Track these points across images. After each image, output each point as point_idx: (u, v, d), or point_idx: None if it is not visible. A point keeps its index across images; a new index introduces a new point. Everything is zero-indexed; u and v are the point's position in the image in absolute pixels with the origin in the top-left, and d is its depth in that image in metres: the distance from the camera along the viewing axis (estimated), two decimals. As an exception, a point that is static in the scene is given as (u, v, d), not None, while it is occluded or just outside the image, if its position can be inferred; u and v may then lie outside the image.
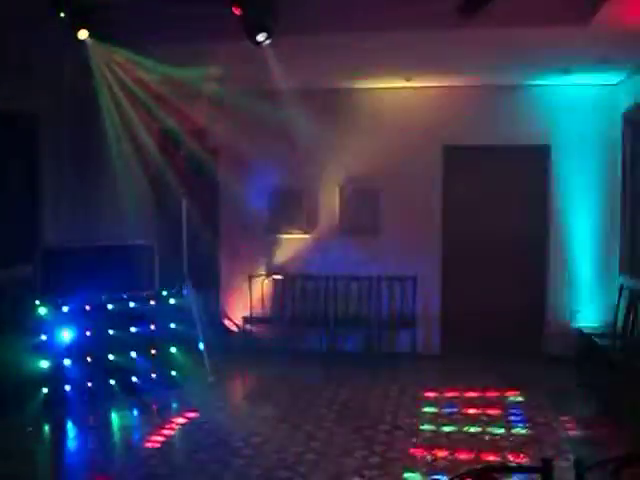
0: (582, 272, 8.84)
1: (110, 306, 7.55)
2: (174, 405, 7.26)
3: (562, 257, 8.90)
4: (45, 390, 7.00)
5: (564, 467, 5.01)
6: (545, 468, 2.62)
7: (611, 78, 8.30)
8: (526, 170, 9.10)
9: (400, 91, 9.07)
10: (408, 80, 8.63)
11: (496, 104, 8.90)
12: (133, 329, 7.62)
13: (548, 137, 8.87)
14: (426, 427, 6.50)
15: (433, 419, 6.75)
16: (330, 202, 9.41)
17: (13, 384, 6.72)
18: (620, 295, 7.74)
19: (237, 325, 9.54)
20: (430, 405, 7.21)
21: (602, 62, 7.35)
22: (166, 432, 6.45)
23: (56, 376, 7.08)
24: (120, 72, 7.67)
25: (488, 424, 6.54)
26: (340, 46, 6.85)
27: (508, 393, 7.55)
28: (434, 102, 9.04)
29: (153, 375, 7.67)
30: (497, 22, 5.85)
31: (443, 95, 9.01)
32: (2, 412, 6.64)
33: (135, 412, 7.08)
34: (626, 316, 7.20)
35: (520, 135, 8.86)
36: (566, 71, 7.92)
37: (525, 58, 7.35)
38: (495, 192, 9.13)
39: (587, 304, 8.79)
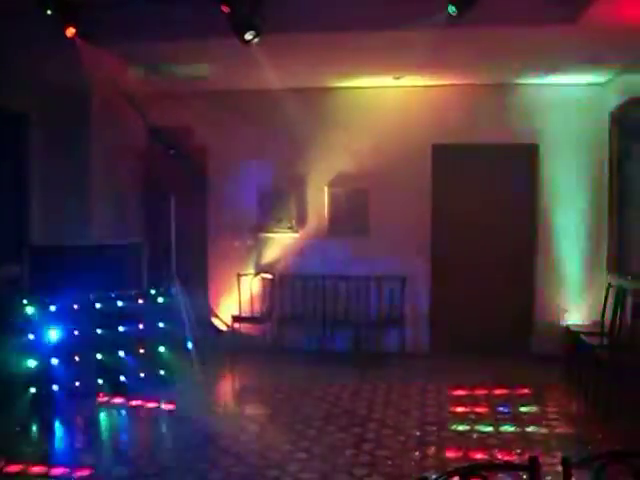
0: (570, 271, 8.88)
1: (98, 305, 7.52)
2: (162, 404, 7.23)
3: (550, 256, 8.93)
4: (33, 390, 6.98)
5: (552, 465, 5.05)
6: (532, 466, 2.62)
7: (599, 77, 8.33)
8: (514, 169, 9.11)
9: (389, 90, 9.07)
10: (397, 79, 8.64)
11: (485, 103, 8.91)
12: (121, 328, 7.59)
13: (536, 136, 8.90)
14: (414, 425, 6.50)
15: (421, 417, 6.75)
16: (319, 201, 9.40)
17: (0, 383, 6.69)
18: (607, 293, 7.76)
19: (226, 324, 9.52)
20: (418, 403, 7.22)
21: (590, 61, 7.38)
22: (154, 431, 6.43)
23: (44, 375, 7.05)
24: (108, 70, 7.64)
25: (476, 422, 6.56)
26: (328, 45, 6.85)
27: (496, 391, 7.57)
28: (423, 101, 9.05)
29: (141, 374, 7.65)
30: (485, 21, 5.87)
31: (432, 94, 9.02)
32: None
33: (123, 411, 7.05)
34: (613, 314, 7.23)
35: (508, 134, 8.88)
36: (553, 70, 7.97)
37: (513, 57, 7.37)
38: (484, 191, 9.15)
39: (575, 303, 8.83)
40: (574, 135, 8.76)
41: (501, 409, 6.97)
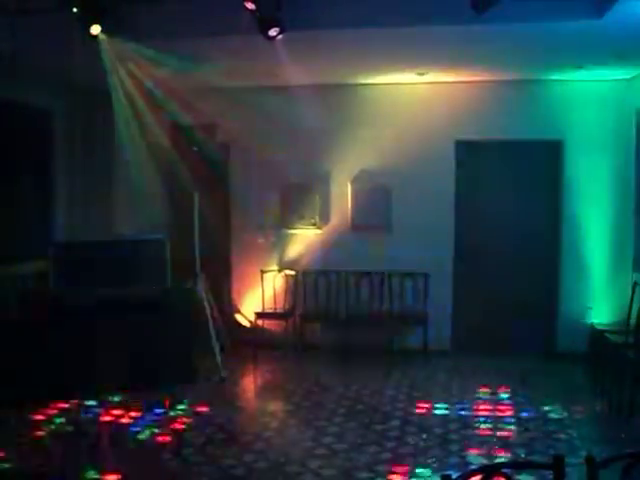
0: (595, 269, 8.80)
1: (122, 301, 7.56)
2: (185, 400, 7.27)
3: (575, 253, 8.85)
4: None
5: (576, 464, 5.01)
6: (557, 465, 2.61)
7: (625, 73, 8.25)
8: (539, 166, 9.05)
9: (412, 86, 9.03)
10: (420, 75, 8.60)
11: (509, 99, 8.85)
12: (145, 324, 7.63)
13: (561, 132, 8.81)
14: (437, 423, 6.49)
15: (444, 415, 6.74)
16: (342, 198, 9.39)
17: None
18: (633, 292, 7.69)
19: (249, 320, 9.55)
20: (441, 401, 7.21)
21: (616, 57, 7.30)
22: (178, 426, 6.47)
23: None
24: (132, 67, 7.69)
25: (499, 420, 6.53)
26: (352, 41, 6.83)
27: (519, 389, 7.53)
28: (446, 97, 9.00)
29: (165, 369, 7.69)
30: (510, 17, 5.83)
31: (456, 90, 8.96)
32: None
33: (147, 406, 7.09)
34: (639, 313, 7.16)
35: (533, 130, 8.81)
36: (579, 66, 7.90)
37: (538, 53, 7.31)
38: (508, 188, 9.09)
39: (600, 301, 8.74)
40: (599, 132, 8.66)
41: (524, 408, 6.93)
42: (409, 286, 9.15)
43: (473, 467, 2.55)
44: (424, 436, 6.13)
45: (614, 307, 8.55)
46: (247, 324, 9.59)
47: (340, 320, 9.19)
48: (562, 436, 6.10)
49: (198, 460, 5.63)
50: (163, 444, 6.01)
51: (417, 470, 5.35)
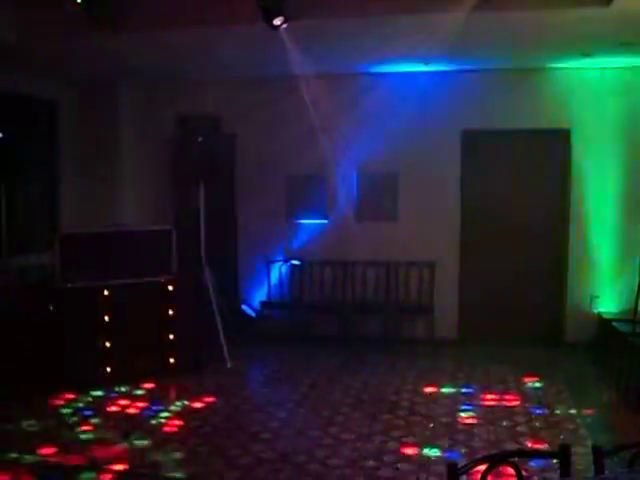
0: (602, 257, 8.76)
1: (128, 291, 7.57)
2: (192, 389, 7.29)
3: (582, 242, 8.81)
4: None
5: (582, 453, 5.01)
6: (563, 454, 2.60)
7: (632, 61, 8.19)
8: (546, 154, 9.01)
9: (418, 75, 8.98)
10: (426, 64, 8.55)
11: (515, 88, 8.80)
12: (151, 314, 7.65)
13: (568, 121, 8.76)
14: (443, 413, 6.49)
15: (450, 405, 6.74)
16: (348, 187, 9.36)
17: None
18: (640, 280, 7.66)
19: (255, 310, 9.55)
20: (447, 391, 7.20)
21: (625, 44, 7.24)
22: (184, 416, 6.49)
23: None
24: (136, 58, 7.67)
25: (506, 410, 6.53)
26: (357, 30, 6.79)
27: (526, 379, 7.52)
28: (453, 86, 8.95)
29: (171, 360, 7.71)
30: (516, 4, 5.79)
31: (462, 79, 8.92)
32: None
33: (154, 395, 7.12)
34: (646, 302, 7.14)
35: (540, 119, 8.77)
36: (586, 54, 7.84)
37: (544, 41, 7.26)
38: (514, 177, 9.05)
39: (607, 289, 8.72)
40: (607, 119, 8.61)
41: (531, 397, 6.93)
42: (415, 275, 9.14)
43: (479, 456, 2.55)
44: (431, 425, 6.15)
45: (621, 296, 8.53)
46: (253, 314, 9.59)
47: (346, 310, 9.19)
48: (569, 425, 6.10)
49: (205, 450, 5.64)
50: (170, 434, 6.03)
51: (422, 459, 5.36)
